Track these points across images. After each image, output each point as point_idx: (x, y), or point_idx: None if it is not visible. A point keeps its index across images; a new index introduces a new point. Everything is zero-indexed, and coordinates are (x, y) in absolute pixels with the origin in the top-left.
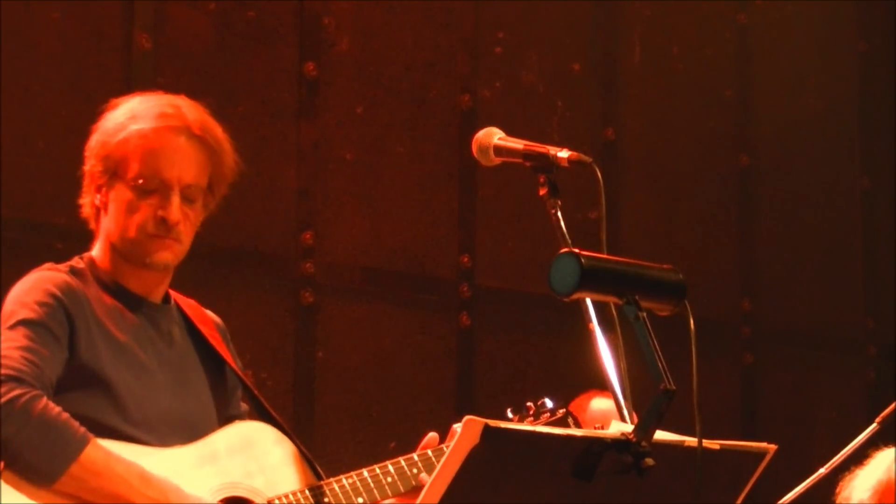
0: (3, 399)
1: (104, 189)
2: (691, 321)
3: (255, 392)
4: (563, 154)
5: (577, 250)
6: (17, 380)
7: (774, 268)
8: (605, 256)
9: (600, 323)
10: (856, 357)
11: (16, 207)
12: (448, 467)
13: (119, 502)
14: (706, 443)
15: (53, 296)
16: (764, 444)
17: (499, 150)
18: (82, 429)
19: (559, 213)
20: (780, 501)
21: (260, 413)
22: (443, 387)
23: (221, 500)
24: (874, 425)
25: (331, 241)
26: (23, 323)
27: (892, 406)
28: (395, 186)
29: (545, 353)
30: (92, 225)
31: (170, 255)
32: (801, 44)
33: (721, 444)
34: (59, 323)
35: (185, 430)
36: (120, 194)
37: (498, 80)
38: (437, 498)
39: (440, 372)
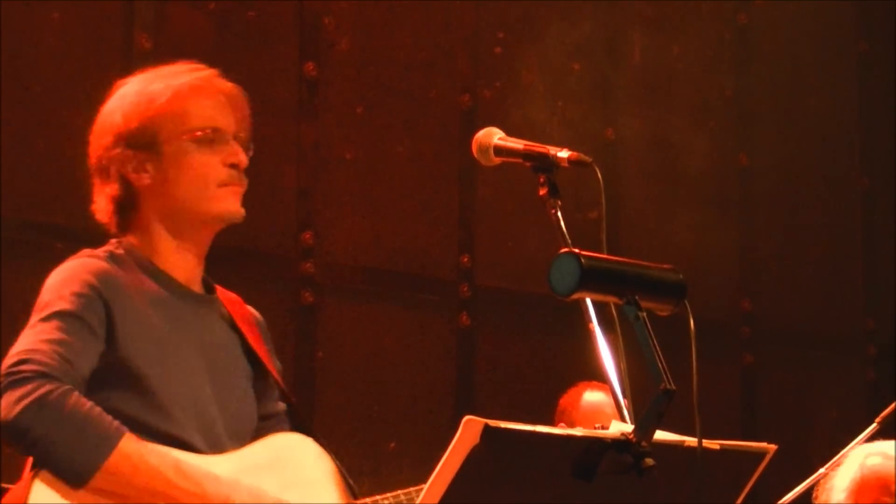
0: (33, 396)
1: (146, 164)
2: (691, 321)
3: (290, 398)
4: (563, 154)
5: (577, 250)
6: (46, 376)
7: (774, 268)
8: (605, 256)
9: (600, 323)
10: (856, 357)
11: (16, 207)
12: (448, 467)
13: (155, 495)
14: (706, 443)
15: (91, 285)
16: (764, 444)
17: (499, 150)
18: (116, 422)
19: (559, 213)
20: (780, 501)
21: (291, 418)
22: (443, 387)
23: None
24: (874, 425)
25: (331, 241)
26: (57, 315)
27: (892, 406)
28: (395, 186)
29: (545, 353)
30: (113, 222)
31: (240, 203)
32: (801, 44)
33: (721, 444)
34: (95, 314)
35: (225, 425)
36: (175, 157)
37: (498, 80)
38: (437, 498)
39: (440, 372)
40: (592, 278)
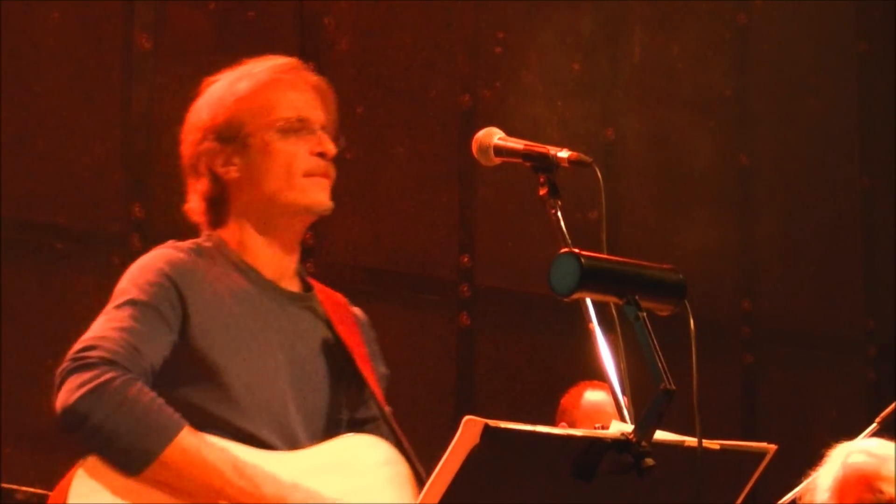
0: (96, 382)
1: (233, 157)
2: (691, 321)
3: (382, 403)
4: (564, 154)
5: (577, 250)
6: (111, 363)
7: (774, 268)
8: (605, 256)
9: (600, 323)
10: (856, 357)
11: (16, 207)
12: (448, 467)
13: (209, 490)
14: (706, 443)
15: (167, 276)
16: (764, 444)
17: (499, 150)
18: (177, 414)
19: (559, 213)
20: (780, 501)
21: (386, 424)
22: (443, 387)
23: None
24: (874, 425)
25: (331, 241)
26: (130, 303)
27: (892, 406)
28: (395, 186)
29: (545, 353)
30: (205, 220)
31: (329, 195)
32: (801, 44)
33: (721, 444)
34: (170, 305)
35: (303, 424)
36: (261, 148)
37: (498, 80)
38: (437, 498)
39: (440, 372)
40: (592, 278)
